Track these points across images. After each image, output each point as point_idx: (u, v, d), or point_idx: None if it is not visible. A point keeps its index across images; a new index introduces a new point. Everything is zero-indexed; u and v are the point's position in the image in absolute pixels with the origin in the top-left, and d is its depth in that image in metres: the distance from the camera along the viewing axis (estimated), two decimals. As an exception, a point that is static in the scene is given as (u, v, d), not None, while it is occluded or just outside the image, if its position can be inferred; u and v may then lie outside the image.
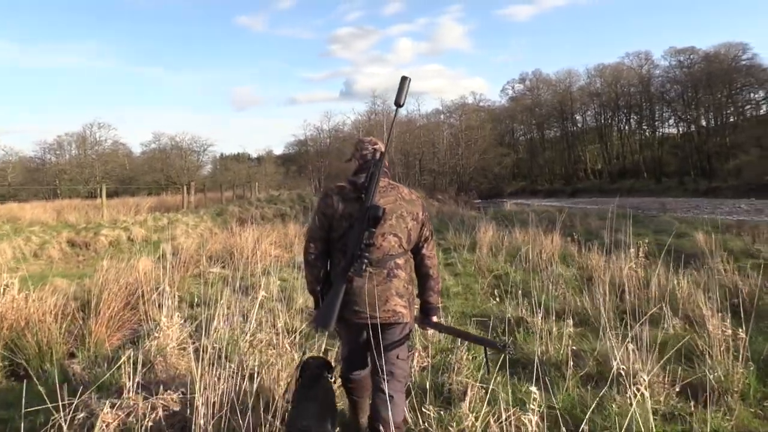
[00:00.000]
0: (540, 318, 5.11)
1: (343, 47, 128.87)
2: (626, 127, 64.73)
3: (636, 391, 2.70)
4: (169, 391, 3.33)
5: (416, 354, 4.20)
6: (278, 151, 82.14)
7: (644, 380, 2.71)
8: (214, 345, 3.33)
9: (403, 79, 2.84)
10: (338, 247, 2.86)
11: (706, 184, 46.16)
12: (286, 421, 2.97)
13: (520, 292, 6.02)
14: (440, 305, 3.28)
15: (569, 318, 5.06)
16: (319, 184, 59.37)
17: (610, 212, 8.75)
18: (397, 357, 2.91)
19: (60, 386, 2.92)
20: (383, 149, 3.01)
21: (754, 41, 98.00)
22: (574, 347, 4.27)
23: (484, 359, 3.33)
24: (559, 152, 69.09)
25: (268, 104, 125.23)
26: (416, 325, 3.23)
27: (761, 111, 52.56)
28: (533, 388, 2.60)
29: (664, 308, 4.74)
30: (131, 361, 3.37)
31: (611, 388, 3.42)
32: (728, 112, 54.48)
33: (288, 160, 74.83)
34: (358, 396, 3.14)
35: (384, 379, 2.80)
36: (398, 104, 2.86)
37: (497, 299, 5.99)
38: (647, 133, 62.87)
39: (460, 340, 4.03)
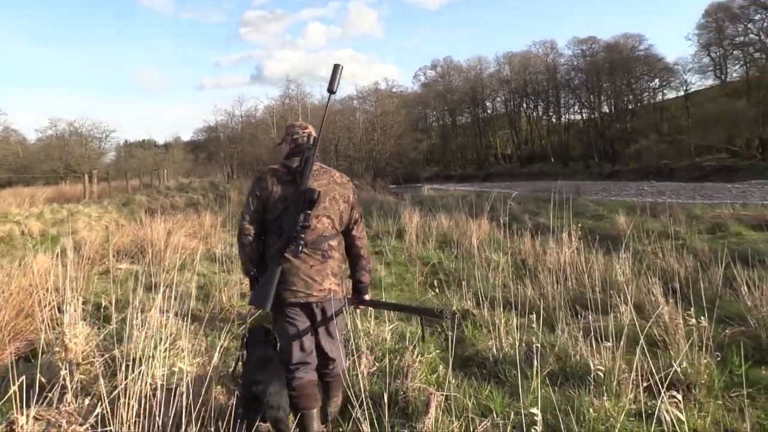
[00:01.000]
0: (486, 309, 4.83)
1: (254, 30, 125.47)
2: (534, 114, 66.99)
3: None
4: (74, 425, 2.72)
5: (363, 357, 3.77)
6: (187, 137, 78.93)
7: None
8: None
9: (336, 66, 2.94)
10: (273, 229, 2.93)
11: (609, 167, 48.56)
12: (241, 382, 3.00)
13: (459, 281, 5.73)
14: (370, 283, 3.34)
15: (515, 308, 4.84)
16: (231, 171, 57.48)
17: (534, 196, 8.66)
18: (336, 326, 3.05)
19: None
20: (315, 134, 3.11)
21: (648, 32, 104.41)
22: (529, 342, 4.00)
23: (420, 329, 3.46)
24: (471, 138, 70.51)
25: (175, 89, 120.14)
26: (351, 308, 3.38)
27: (657, 98, 55.90)
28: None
29: (614, 295, 4.57)
30: (23, 385, 2.71)
31: (581, 388, 3.16)
32: (628, 99, 57.47)
33: (197, 147, 72.14)
34: (305, 406, 2.89)
35: (325, 342, 3.01)
36: (331, 91, 2.98)
37: (436, 290, 5.67)
38: (554, 119, 65.45)
39: (408, 337, 3.70)
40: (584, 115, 62.52)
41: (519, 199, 16.30)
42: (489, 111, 70.10)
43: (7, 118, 63.50)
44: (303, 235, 2.79)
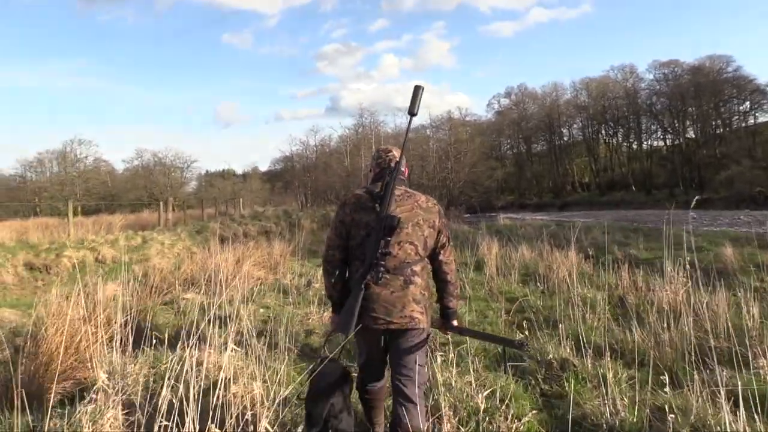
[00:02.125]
0: (588, 358, 4.08)
1: (329, 64, 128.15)
2: (613, 140, 64.43)
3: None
4: None
5: (445, 420, 3.12)
6: (264, 167, 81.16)
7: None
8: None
9: (417, 88, 2.88)
10: (356, 255, 2.92)
11: (697, 195, 45.57)
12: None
13: (550, 322, 4.99)
14: (458, 309, 3.30)
15: (620, 357, 4.06)
16: (305, 199, 58.32)
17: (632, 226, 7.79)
18: (416, 362, 2.93)
19: None
20: (398, 157, 3.02)
21: (735, 52, 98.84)
22: (652, 405, 3.23)
23: (503, 361, 3.42)
24: (547, 165, 68.60)
25: (254, 121, 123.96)
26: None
27: (749, 122, 52.49)
28: None
29: (756, 347, 3.72)
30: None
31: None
32: (716, 123, 54.35)
33: (274, 176, 73.92)
34: (373, 405, 3.20)
35: (403, 384, 2.88)
36: (412, 113, 2.90)
37: (525, 331, 4.94)
38: (634, 146, 62.62)
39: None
40: (668, 141, 59.67)
41: (603, 228, 15.14)
42: (565, 138, 68.11)
43: (97, 149, 67.39)
44: (383, 262, 2.77)
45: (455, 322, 3.16)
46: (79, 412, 3.17)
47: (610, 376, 3.64)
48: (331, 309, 3.16)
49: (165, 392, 2.75)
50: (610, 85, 61.88)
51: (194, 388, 2.73)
